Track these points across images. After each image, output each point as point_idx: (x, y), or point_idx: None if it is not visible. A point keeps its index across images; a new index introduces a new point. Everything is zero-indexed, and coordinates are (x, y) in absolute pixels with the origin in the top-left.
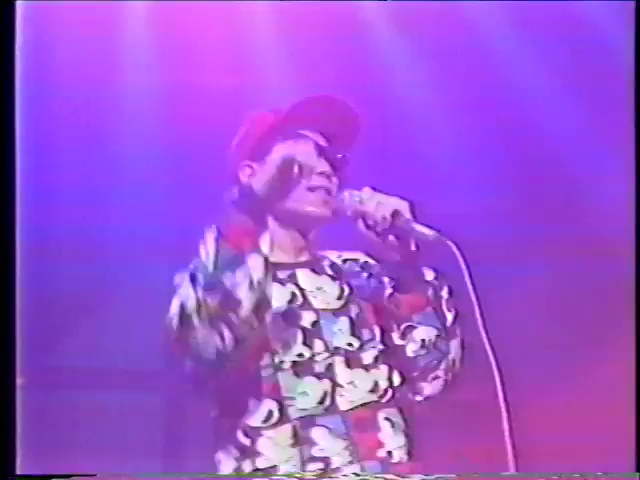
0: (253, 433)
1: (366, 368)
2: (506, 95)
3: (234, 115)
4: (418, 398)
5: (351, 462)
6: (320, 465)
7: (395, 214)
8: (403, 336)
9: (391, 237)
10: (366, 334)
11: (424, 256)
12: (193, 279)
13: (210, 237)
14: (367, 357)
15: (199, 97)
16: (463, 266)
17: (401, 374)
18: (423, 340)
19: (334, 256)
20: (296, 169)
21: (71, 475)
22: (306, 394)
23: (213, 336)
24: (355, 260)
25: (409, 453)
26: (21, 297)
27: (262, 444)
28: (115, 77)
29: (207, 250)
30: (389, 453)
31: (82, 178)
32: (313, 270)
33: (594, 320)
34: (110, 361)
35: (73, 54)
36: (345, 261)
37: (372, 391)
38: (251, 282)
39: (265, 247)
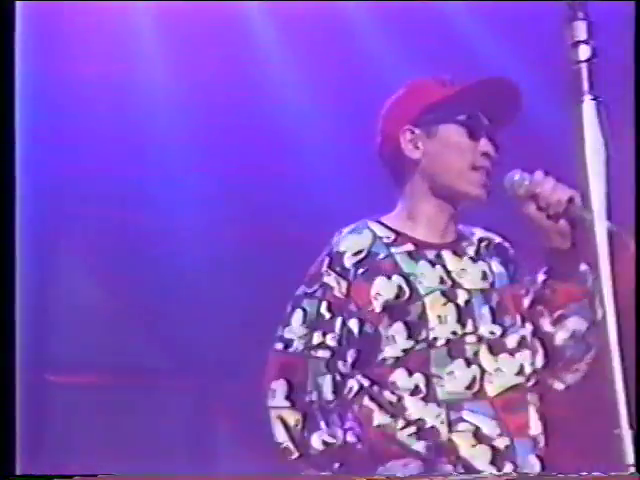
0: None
1: (511, 353)
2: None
3: (237, 111)
4: (558, 386)
5: (501, 435)
6: (471, 428)
7: (571, 200)
8: (555, 323)
9: (563, 222)
10: (507, 320)
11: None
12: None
13: None
14: (510, 342)
15: (199, 94)
16: (633, 263)
17: (546, 359)
18: (574, 330)
19: (474, 236)
20: (464, 148)
21: (71, 475)
22: (454, 376)
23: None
24: (489, 240)
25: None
26: (21, 297)
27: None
28: (115, 77)
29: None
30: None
31: (82, 178)
32: (455, 252)
33: None
34: (110, 362)
35: (73, 54)
36: (481, 241)
37: (519, 374)
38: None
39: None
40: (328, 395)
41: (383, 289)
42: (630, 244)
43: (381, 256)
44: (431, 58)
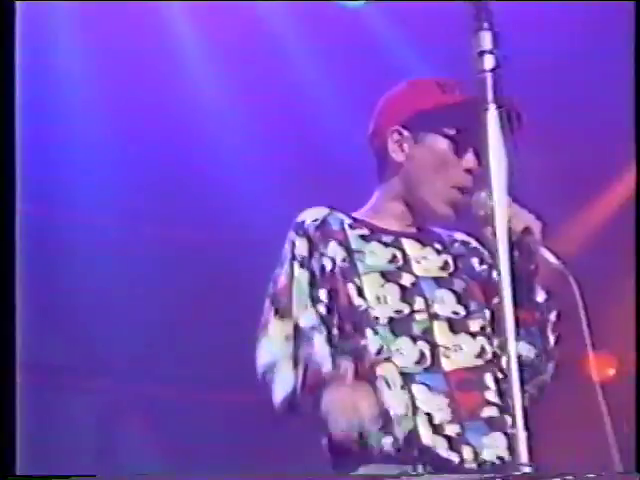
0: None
1: (473, 335)
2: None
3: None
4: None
5: (452, 421)
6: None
7: (525, 231)
8: (500, 347)
9: (515, 252)
10: (473, 305)
11: (541, 278)
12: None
13: None
14: (474, 325)
15: (199, 93)
16: (579, 302)
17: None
18: (520, 356)
19: (445, 234)
20: (448, 163)
21: (71, 476)
22: (401, 353)
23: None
24: (465, 243)
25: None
26: (21, 297)
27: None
28: (115, 76)
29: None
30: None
31: (82, 179)
32: (419, 240)
33: (595, 319)
34: (111, 361)
35: (73, 54)
36: (455, 242)
37: (479, 356)
38: None
39: None
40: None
41: (331, 251)
42: (572, 282)
43: (334, 227)
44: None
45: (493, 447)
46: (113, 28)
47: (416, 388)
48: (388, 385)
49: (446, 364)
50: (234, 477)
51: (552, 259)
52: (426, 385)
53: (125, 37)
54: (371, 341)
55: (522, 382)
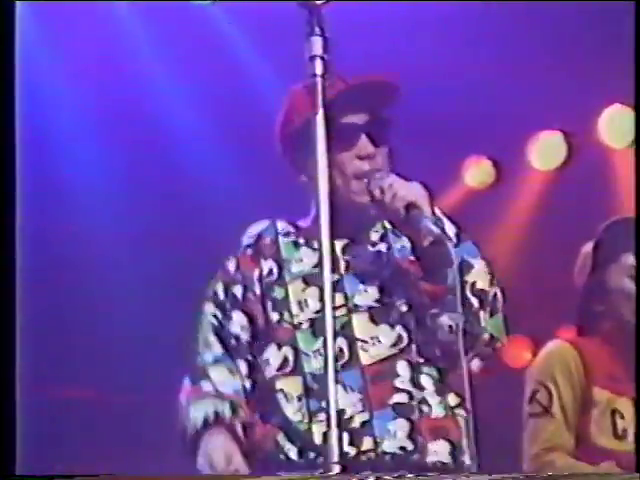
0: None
1: (391, 325)
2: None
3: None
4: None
5: (362, 411)
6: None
7: (410, 206)
8: (432, 322)
9: (406, 230)
10: (396, 293)
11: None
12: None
13: None
14: (394, 314)
15: (199, 93)
16: (455, 267)
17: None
18: (450, 327)
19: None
20: (340, 161)
21: (71, 475)
22: (320, 354)
23: None
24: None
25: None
26: (21, 297)
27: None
28: (115, 76)
29: None
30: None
31: (83, 178)
32: (353, 240)
33: (534, 316)
34: (111, 362)
35: (73, 54)
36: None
37: (394, 345)
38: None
39: None
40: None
41: (257, 272)
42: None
43: (266, 241)
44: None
45: (395, 437)
46: (112, 28)
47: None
48: (286, 398)
49: (364, 358)
50: (234, 477)
51: (433, 228)
52: (342, 384)
53: (125, 36)
54: (273, 356)
55: (466, 351)
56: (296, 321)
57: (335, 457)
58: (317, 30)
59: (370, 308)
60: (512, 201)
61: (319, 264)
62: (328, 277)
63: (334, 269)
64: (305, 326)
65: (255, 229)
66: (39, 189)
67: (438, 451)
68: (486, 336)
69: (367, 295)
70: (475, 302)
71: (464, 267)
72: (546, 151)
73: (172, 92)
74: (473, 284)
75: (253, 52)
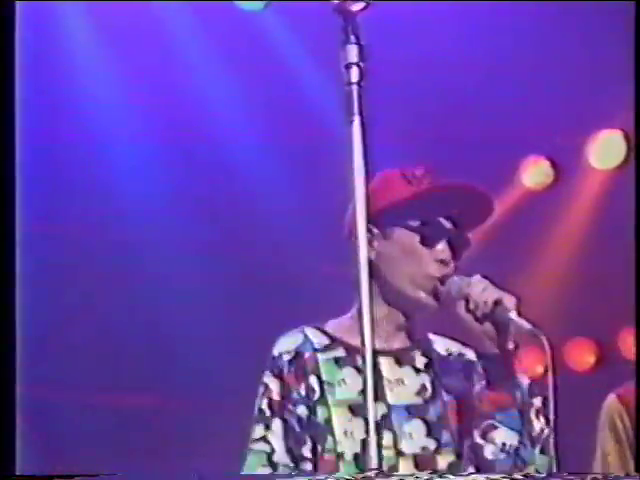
0: None
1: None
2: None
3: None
4: None
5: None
6: None
7: (498, 302)
8: (484, 435)
9: (488, 324)
10: (445, 436)
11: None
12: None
13: None
14: (442, 462)
15: (198, 92)
16: (549, 363)
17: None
18: (504, 444)
19: (440, 346)
20: (418, 255)
21: (72, 475)
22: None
23: None
24: (459, 355)
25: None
26: (21, 296)
27: None
28: (115, 76)
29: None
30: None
31: (83, 179)
32: (397, 360)
33: (595, 318)
34: (111, 362)
35: (73, 54)
36: (450, 355)
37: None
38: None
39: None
40: None
41: (303, 391)
42: (546, 345)
43: (306, 356)
44: None
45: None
46: (113, 27)
47: None
48: None
49: None
50: (234, 476)
51: (525, 324)
52: None
53: (125, 37)
54: None
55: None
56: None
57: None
58: (353, 38)
59: (420, 451)
60: (571, 200)
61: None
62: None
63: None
64: (348, 457)
65: (288, 343)
66: (39, 197)
67: None
68: (532, 468)
69: (414, 439)
70: (537, 426)
71: (535, 386)
72: (605, 150)
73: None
74: (538, 410)
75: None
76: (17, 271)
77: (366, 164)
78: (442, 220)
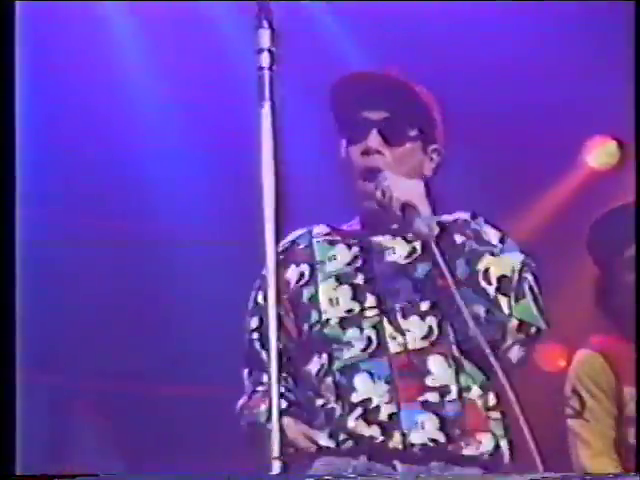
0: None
1: (422, 316)
2: (505, 93)
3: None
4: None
5: (389, 402)
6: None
7: (405, 206)
8: (458, 318)
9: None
10: (431, 290)
11: None
12: None
13: None
14: (424, 305)
15: (197, 90)
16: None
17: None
18: (476, 318)
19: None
20: (350, 159)
21: (72, 475)
22: (352, 345)
23: None
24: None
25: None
26: (21, 296)
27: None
28: (115, 76)
29: None
30: (442, 391)
31: (83, 179)
32: (393, 233)
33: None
34: (111, 362)
35: (73, 54)
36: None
37: (426, 337)
38: None
39: None
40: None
41: (289, 275)
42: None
43: (300, 246)
44: None
45: (424, 430)
46: (111, 28)
47: (358, 378)
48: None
49: (392, 346)
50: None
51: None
52: (369, 373)
53: (124, 36)
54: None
55: (500, 341)
56: (324, 317)
57: None
58: (265, 23)
59: (406, 304)
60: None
61: (363, 260)
62: None
63: (368, 268)
64: (334, 322)
65: (291, 236)
66: (39, 198)
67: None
68: (514, 322)
69: (401, 295)
70: (491, 289)
71: (472, 257)
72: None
73: None
74: (486, 271)
75: None
76: (17, 272)
77: (275, 151)
78: (360, 111)
